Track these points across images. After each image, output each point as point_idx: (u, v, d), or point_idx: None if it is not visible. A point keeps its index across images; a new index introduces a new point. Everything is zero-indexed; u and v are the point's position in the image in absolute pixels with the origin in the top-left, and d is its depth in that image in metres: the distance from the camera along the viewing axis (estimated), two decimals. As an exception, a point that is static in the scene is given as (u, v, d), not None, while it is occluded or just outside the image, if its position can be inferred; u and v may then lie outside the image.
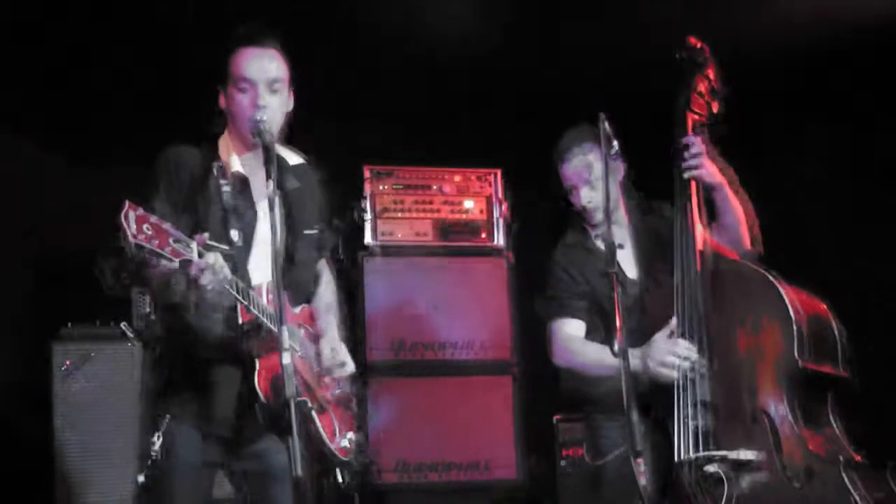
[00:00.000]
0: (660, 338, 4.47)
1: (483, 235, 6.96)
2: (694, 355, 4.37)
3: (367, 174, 6.80)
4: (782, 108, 6.84)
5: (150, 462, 3.96)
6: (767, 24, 6.28)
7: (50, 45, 6.14)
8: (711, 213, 4.74)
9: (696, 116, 4.77)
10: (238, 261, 3.97)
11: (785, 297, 4.28)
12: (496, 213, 6.96)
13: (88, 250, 6.92)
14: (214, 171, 4.04)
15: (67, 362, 6.19)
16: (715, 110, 4.83)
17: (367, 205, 6.73)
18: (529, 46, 6.55)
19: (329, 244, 4.55)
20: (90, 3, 5.87)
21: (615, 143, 4.46)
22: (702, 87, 4.80)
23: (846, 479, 4.04)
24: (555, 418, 6.84)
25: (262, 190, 3.97)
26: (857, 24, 6.23)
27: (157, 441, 3.97)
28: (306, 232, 4.29)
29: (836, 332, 4.43)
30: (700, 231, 4.61)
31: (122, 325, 6.37)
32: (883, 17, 6.15)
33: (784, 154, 7.15)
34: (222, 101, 4.13)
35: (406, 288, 6.73)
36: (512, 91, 7.03)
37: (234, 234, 4.01)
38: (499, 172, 7.03)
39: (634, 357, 4.31)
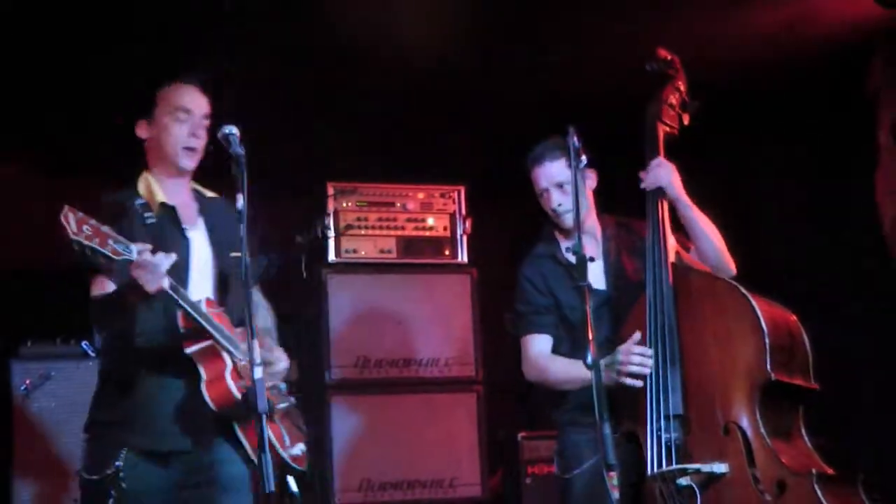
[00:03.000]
0: (625, 348, 4.48)
1: (447, 252, 6.96)
2: (649, 362, 4.41)
3: (330, 191, 6.79)
4: (742, 122, 6.87)
5: (112, 499, 4.01)
6: (732, 36, 6.30)
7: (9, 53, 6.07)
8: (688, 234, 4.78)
9: (668, 128, 4.81)
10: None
11: (757, 309, 4.28)
12: (459, 230, 6.97)
13: (47, 267, 6.85)
14: (137, 209, 4.19)
15: (27, 381, 6.12)
16: (686, 122, 4.88)
17: (331, 222, 6.70)
18: (496, 63, 6.55)
19: (257, 273, 4.62)
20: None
21: (584, 156, 4.47)
22: (673, 99, 4.84)
23: (819, 493, 4.03)
24: (520, 435, 6.83)
25: (191, 216, 4.34)
26: (819, 38, 6.28)
27: (119, 474, 4.02)
28: (233, 255, 4.29)
29: (806, 345, 4.43)
30: (672, 244, 4.62)
31: (83, 343, 6.31)
32: (844, 33, 6.20)
33: (741, 167, 7.19)
34: (143, 131, 4.39)
35: (370, 305, 6.71)
36: (476, 108, 7.02)
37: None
38: (462, 189, 7.03)
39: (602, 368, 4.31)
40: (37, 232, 7.11)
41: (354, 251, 6.78)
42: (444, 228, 7.00)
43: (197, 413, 4.06)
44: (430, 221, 6.98)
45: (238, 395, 4.01)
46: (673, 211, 4.72)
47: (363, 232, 6.83)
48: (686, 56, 4.92)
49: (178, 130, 4.30)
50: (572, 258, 4.68)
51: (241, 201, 3.80)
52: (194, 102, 4.36)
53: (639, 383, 4.43)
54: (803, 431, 4.41)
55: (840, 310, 6.41)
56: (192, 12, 5.75)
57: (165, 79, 4.42)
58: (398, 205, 6.94)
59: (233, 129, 3.94)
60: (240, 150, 3.90)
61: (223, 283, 4.34)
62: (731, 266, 4.75)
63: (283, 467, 4.24)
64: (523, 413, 7.32)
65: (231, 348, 4.09)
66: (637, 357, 4.44)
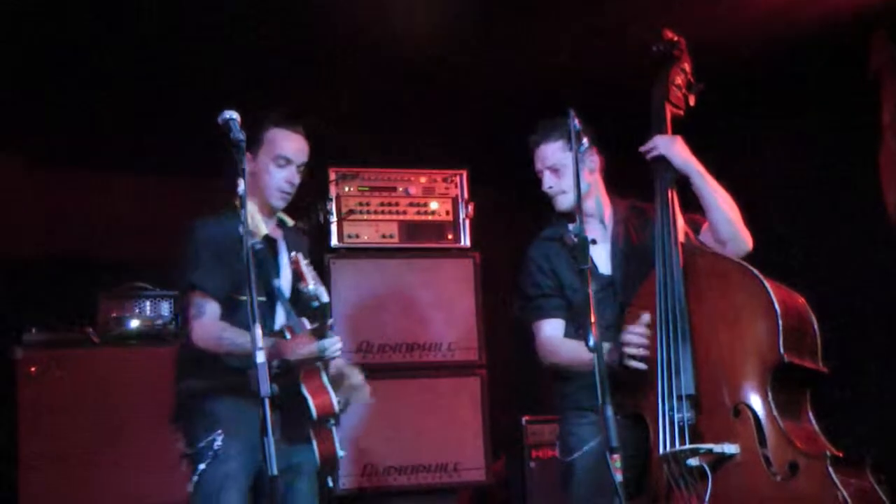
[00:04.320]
0: (629, 328, 4.47)
1: (449, 236, 6.94)
2: (645, 342, 4.41)
3: (332, 176, 6.77)
4: (739, 105, 6.86)
5: (199, 472, 4.58)
6: (732, 17, 6.28)
7: (18, 46, 6.07)
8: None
9: (675, 109, 4.79)
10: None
11: (770, 291, 4.27)
12: (462, 214, 6.96)
13: (50, 254, 6.88)
14: (243, 234, 4.34)
15: (32, 368, 6.13)
16: (692, 104, 4.86)
17: (333, 207, 6.70)
18: (496, 46, 6.54)
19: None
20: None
21: (585, 139, 4.47)
22: (679, 80, 4.82)
23: (832, 475, 4.03)
24: (523, 419, 6.83)
25: (280, 248, 4.84)
26: (820, 18, 6.26)
27: (208, 459, 4.56)
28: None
29: (814, 327, 4.41)
30: (681, 224, 4.61)
31: (88, 330, 6.32)
32: (846, 11, 6.18)
33: (740, 150, 7.18)
34: (248, 165, 4.55)
35: (372, 290, 6.70)
36: (477, 91, 7.02)
37: (277, 283, 4.70)
38: (464, 173, 7.01)
39: (607, 350, 4.35)
40: (38, 221, 7.23)
41: (356, 236, 6.77)
42: (447, 213, 6.98)
43: (285, 417, 4.49)
44: (433, 206, 6.96)
45: (337, 407, 4.54)
46: (684, 192, 4.73)
47: (365, 217, 6.82)
48: (687, 38, 4.91)
49: (278, 175, 4.77)
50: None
51: (241, 186, 3.88)
52: (295, 151, 4.81)
53: (642, 366, 4.41)
54: (811, 414, 4.41)
55: (845, 291, 6.41)
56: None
57: (269, 120, 4.82)
58: (400, 189, 6.93)
59: (233, 115, 3.98)
60: (240, 135, 3.95)
61: (298, 305, 4.69)
62: (746, 239, 4.69)
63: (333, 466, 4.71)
64: (527, 397, 7.32)
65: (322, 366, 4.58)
66: (633, 337, 4.43)
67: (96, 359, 6.26)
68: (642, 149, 4.73)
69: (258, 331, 3.72)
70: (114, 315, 6.41)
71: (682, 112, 4.82)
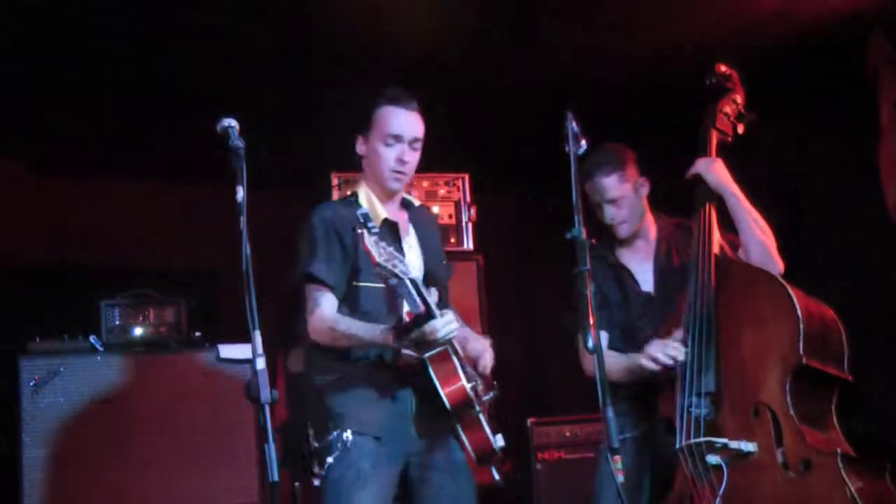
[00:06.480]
0: (660, 341, 4.69)
1: (452, 240, 6.95)
2: (680, 357, 4.58)
3: (334, 181, 6.78)
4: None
5: (327, 465, 4.45)
6: (724, 18, 6.28)
7: (20, 51, 6.08)
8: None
9: (722, 136, 5.02)
10: None
11: (793, 296, 4.43)
12: (465, 217, 6.97)
13: (53, 261, 6.88)
14: (361, 219, 4.32)
15: (36, 377, 6.13)
16: (741, 132, 5.09)
17: (336, 212, 6.70)
18: (497, 50, 6.54)
19: (448, 276, 4.98)
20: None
21: (583, 141, 4.49)
22: (728, 109, 5.05)
23: (842, 472, 4.15)
24: (529, 421, 6.83)
25: (405, 228, 4.75)
26: (818, 17, 6.25)
27: (336, 452, 4.43)
28: (443, 262, 4.91)
29: (841, 337, 4.58)
30: (717, 237, 4.80)
31: (91, 338, 6.32)
32: (843, 10, 6.17)
33: (738, 150, 7.18)
34: (361, 147, 4.76)
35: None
36: (478, 95, 7.02)
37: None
38: (466, 177, 7.03)
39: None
40: (41, 228, 7.24)
41: (360, 241, 6.74)
42: (450, 216, 7.00)
43: (425, 418, 4.50)
44: (435, 209, 6.97)
45: (471, 393, 4.34)
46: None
47: (368, 221, 6.81)
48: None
49: (387, 155, 4.65)
50: (624, 261, 5.04)
51: (240, 193, 3.80)
52: (404, 128, 4.67)
53: (654, 367, 4.62)
54: (836, 420, 4.53)
55: (846, 290, 6.40)
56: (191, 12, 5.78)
57: (379, 98, 4.72)
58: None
59: (232, 122, 3.94)
60: (239, 142, 3.91)
61: (434, 281, 4.67)
62: (777, 264, 4.85)
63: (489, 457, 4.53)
64: (533, 399, 7.32)
65: (453, 351, 4.42)
66: (660, 351, 4.62)
67: (100, 367, 6.25)
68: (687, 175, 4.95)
69: (258, 336, 3.66)
70: (117, 322, 6.40)
71: (729, 139, 5.06)
